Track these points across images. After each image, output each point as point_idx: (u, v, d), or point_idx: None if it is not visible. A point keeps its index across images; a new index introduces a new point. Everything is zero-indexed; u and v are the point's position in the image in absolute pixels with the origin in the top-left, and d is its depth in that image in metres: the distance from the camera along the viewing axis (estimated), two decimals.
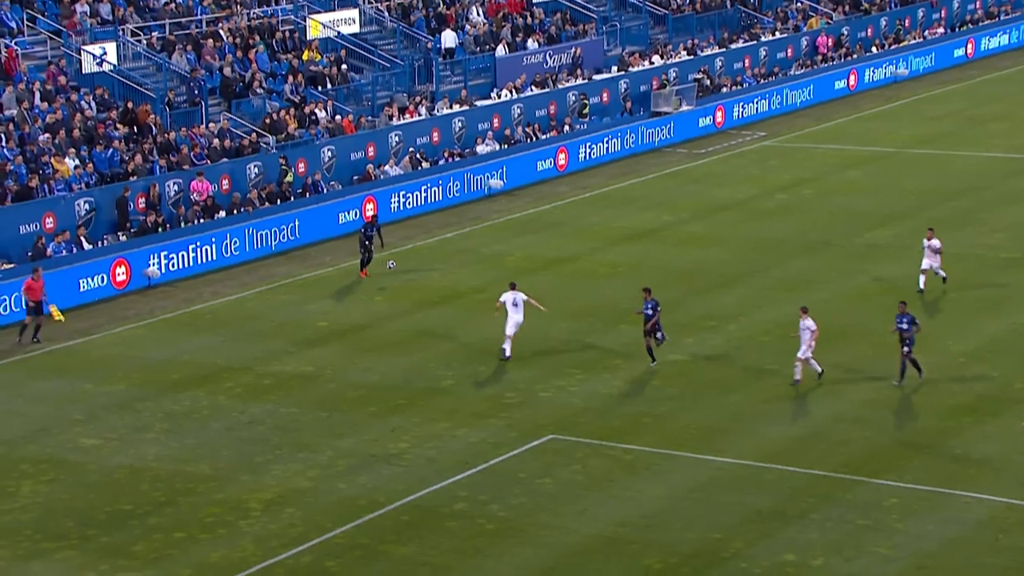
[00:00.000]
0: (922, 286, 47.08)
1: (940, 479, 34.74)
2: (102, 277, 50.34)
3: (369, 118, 64.20)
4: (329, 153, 60.34)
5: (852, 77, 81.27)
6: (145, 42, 61.82)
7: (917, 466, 35.55)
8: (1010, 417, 38.16)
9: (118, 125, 56.63)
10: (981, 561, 30.89)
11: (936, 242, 46.77)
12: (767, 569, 30.87)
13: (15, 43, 57.75)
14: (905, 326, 39.84)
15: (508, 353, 42.62)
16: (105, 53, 59.12)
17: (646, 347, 41.77)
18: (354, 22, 68.73)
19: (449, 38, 70.50)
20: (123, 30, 61.24)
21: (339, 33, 67.70)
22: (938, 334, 44.22)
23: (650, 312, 41.63)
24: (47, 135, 54.49)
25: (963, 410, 38.87)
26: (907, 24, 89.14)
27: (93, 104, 57.09)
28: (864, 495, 34.09)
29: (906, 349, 39.74)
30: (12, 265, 49.49)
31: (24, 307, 45.84)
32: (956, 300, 47.41)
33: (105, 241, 52.34)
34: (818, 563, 30.98)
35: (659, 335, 41.71)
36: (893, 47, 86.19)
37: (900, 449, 36.60)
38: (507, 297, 42.69)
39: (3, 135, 53.50)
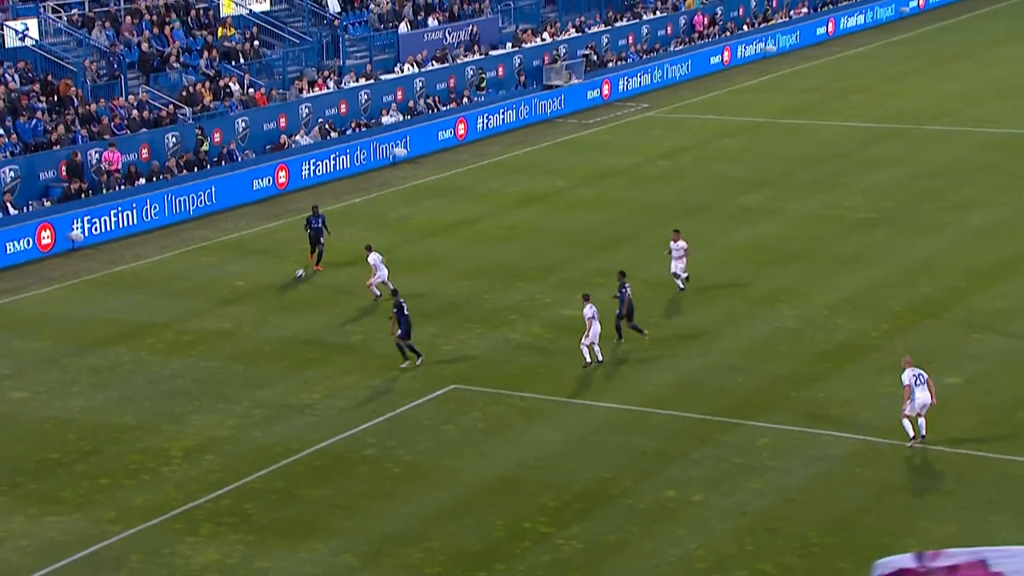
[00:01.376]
0: (682, 286, 44.28)
1: (806, 421, 35.09)
2: (28, 240, 49.85)
3: (280, 91, 63.88)
4: (243, 124, 59.98)
5: (726, 53, 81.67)
6: (66, 18, 61.15)
7: (785, 409, 35.86)
8: (867, 363, 38.56)
9: (41, 97, 55.99)
10: (841, 493, 31.29)
11: (683, 243, 43.69)
12: (651, 504, 31.06)
13: None
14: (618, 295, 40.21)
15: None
16: (27, 29, 58.34)
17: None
18: (265, 1, 68.21)
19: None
20: (44, 7, 60.58)
21: (251, 11, 67.28)
22: (803, 288, 44.60)
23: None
24: None
25: (826, 357, 39.23)
26: (774, 4, 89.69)
27: (16, 77, 56.38)
28: (739, 436, 34.35)
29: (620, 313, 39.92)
30: None
31: None
32: (819, 257, 47.72)
33: (30, 207, 51.70)
34: (698, 499, 31.20)
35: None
36: (762, 26, 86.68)
37: (770, 394, 36.89)
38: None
39: None
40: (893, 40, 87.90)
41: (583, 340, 38.38)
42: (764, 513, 30.40)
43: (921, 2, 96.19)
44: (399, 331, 38.62)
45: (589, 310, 38.25)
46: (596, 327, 38.36)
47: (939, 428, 32.97)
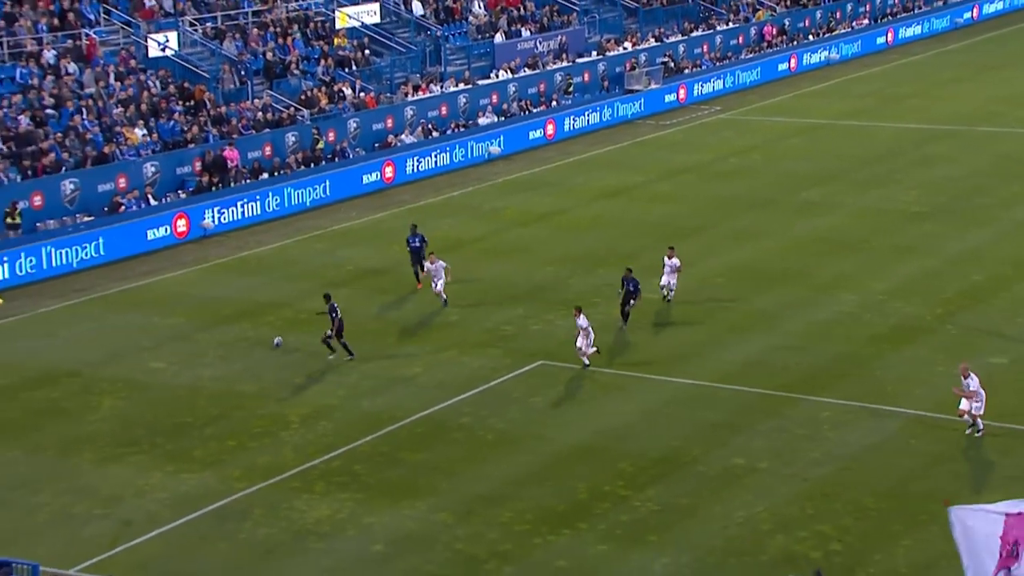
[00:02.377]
0: (668, 296, 42.15)
1: (863, 396, 34.92)
2: (166, 228, 50.38)
3: (388, 95, 64.11)
4: (354, 124, 60.28)
5: (792, 60, 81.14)
6: (201, 31, 61.69)
7: (845, 386, 35.70)
8: (921, 345, 38.32)
9: (178, 101, 56.64)
10: (895, 462, 31.19)
11: (676, 261, 41.74)
12: (720, 471, 31.06)
13: (94, 32, 57.61)
14: (631, 288, 39.69)
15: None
16: (168, 41, 59.10)
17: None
18: (375, 14, 68.54)
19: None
20: (182, 21, 61.13)
21: (362, 23, 67.55)
22: (861, 275, 44.32)
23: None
24: (120, 109, 54.47)
25: (882, 339, 39.00)
26: (838, 16, 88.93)
27: (157, 83, 57.01)
28: (801, 410, 34.25)
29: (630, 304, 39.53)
30: (92, 218, 49.56)
31: None
32: (876, 247, 47.39)
33: (168, 198, 52.34)
34: (763, 466, 31.17)
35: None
36: (826, 35, 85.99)
37: (831, 372, 36.74)
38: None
39: (84, 109, 53.46)
40: (947, 49, 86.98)
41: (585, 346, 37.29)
42: (824, 480, 30.35)
43: (975, 14, 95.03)
44: (330, 331, 38.02)
45: (583, 321, 37.00)
46: (585, 337, 37.10)
47: (987, 405, 32.68)
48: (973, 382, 31.72)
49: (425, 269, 42.70)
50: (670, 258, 41.77)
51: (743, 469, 31.18)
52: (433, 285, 42.25)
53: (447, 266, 42.14)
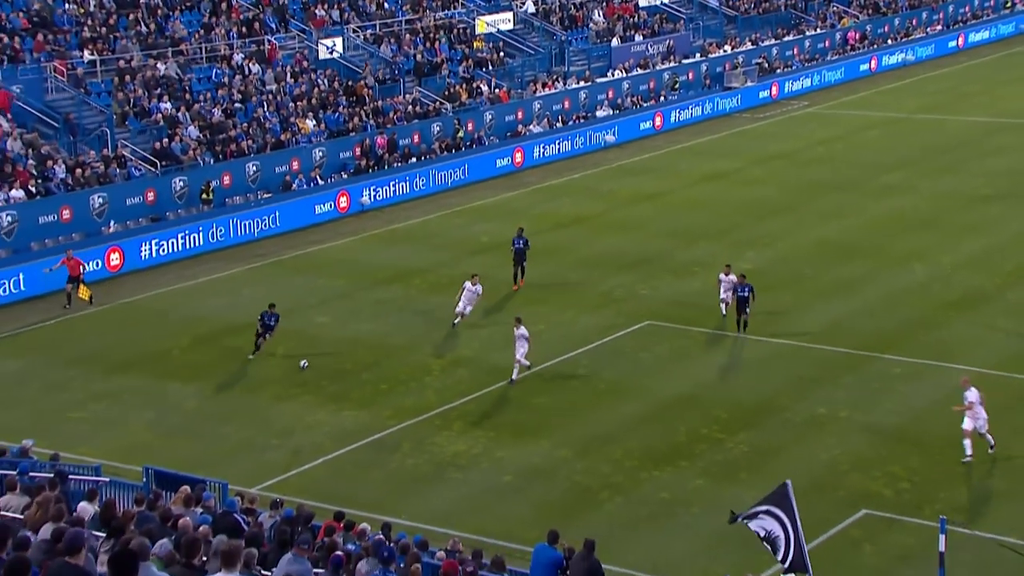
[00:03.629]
0: (724, 311, 37.41)
1: (932, 355, 34.36)
2: (330, 204, 50.88)
3: (518, 91, 64.11)
4: (490, 116, 60.37)
5: (873, 62, 79.69)
6: (362, 37, 62.14)
7: (916, 345, 35.16)
8: (983, 311, 37.59)
9: (342, 96, 57.12)
10: (958, 415, 30.58)
11: (733, 277, 36.93)
12: (805, 419, 30.79)
13: (274, 38, 58.33)
14: (745, 294, 36.09)
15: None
16: (335, 45, 59.67)
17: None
18: (509, 21, 68.58)
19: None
20: (347, 28, 61.63)
21: (498, 29, 67.59)
22: (932, 250, 43.56)
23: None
24: (294, 103, 55.08)
25: (949, 306, 38.32)
26: (914, 22, 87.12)
27: (326, 81, 57.55)
28: (877, 367, 33.80)
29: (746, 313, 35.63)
30: (270, 195, 50.29)
31: (66, 278, 40.16)
32: (946, 225, 46.51)
33: (332, 179, 52.87)
34: (843, 415, 30.83)
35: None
36: (904, 40, 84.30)
37: (904, 333, 36.17)
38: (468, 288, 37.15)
39: (264, 103, 54.15)
40: (1012, 52, 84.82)
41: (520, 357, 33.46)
42: (895, 428, 29.93)
43: None
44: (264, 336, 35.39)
45: (523, 331, 33.14)
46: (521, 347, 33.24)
47: None
48: (972, 394, 28.27)
49: (464, 289, 37.09)
50: (727, 275, 37.12)
51: (825, 417, 30.88)
52: (461, 307, 37.05)
53: (480, 292, 37.18)
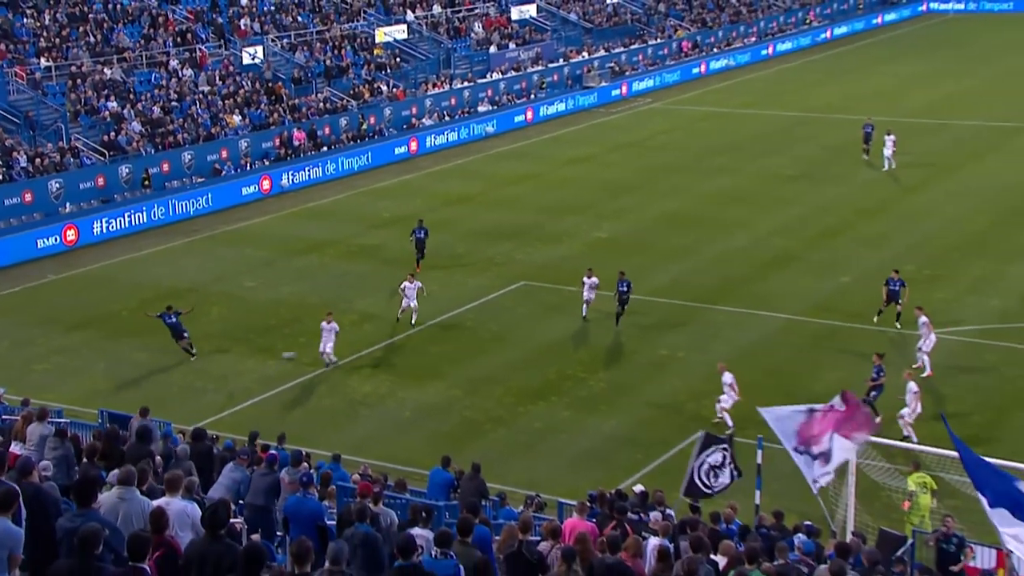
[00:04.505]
0: (585, 312, 33.86)
1: (753, 305, 34.69)
2: (255, 187, 49.78)
3: (412, 90, 63.44)
4: (388, 111, 59.61)
5: (703, 66, 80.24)
6: (279, 45, 60.93)
7: (739, 297, 35.44)
8: (793, 269, 38.09)
9: (263, 95, 55.97)
10: (775, 352, 31.03)
11: (595, 279, 33.63)
12: (652, 359, 30.94)
13: (205, 47, 56.91)
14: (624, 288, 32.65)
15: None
16: (256, 52, 58.32)
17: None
18: (404, 32, 67.77)
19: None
20: (266, 38, 60.35)
21: (395, 39, 66.79)
22: (753, 219, 43.93)
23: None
24: (222, 101, 53.81)
25: (766, 264, 38.69)
26: (735, 34, 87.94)
27: (248, 82, 56.33)
28: (709, 316, 34.04)
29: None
30: (203, 179, 49.05)
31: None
32: (763, 198, 46.90)
33: (256, 165, 51.83)
34: (681, 355, 30.94)
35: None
36: (727, 48, 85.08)
37: (730, 288, 36.43)
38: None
39: (197, 102, 52.86)
40: (812, 59, 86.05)
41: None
42: (728, 361, 30.26)
43: (829, 35, 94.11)
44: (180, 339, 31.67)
45: (334, 325, 30.65)
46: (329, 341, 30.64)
47: (845, 305, 32.44)
48: (727, 377, 26.78)
49: (401, 287, 33.66)
50: (589, 277, 33.71)
51: (667, 358, 31.19)
52: (405, 304, 33.67)
53: (421, 286, 33.80)
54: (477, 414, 28.34)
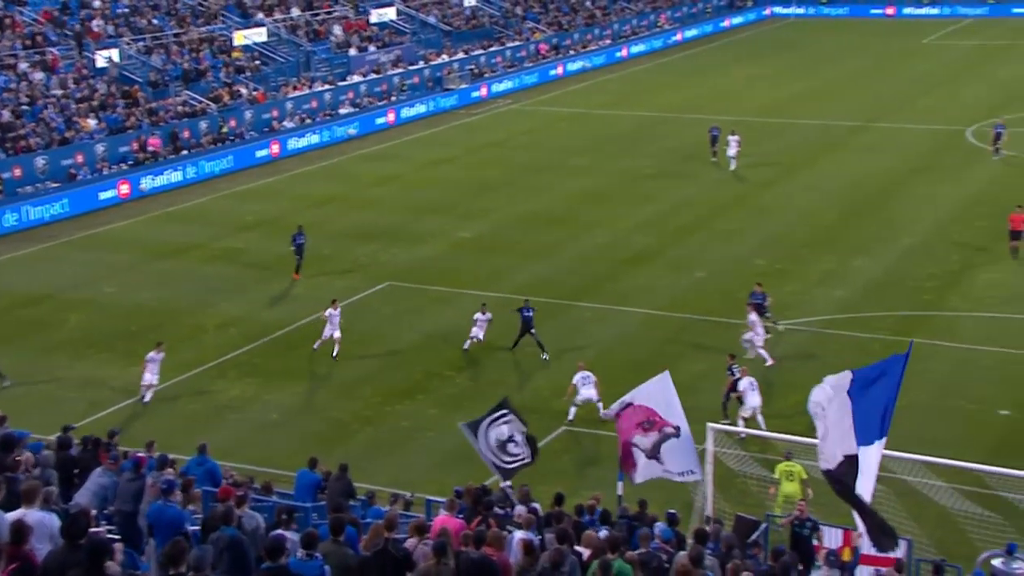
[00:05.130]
0: (466, 345, 31.44)
1: (615, 301, 35.19)
2: (113, 191, 48.48)
3: (272, 93, 62.53)
4: (249, 114, 58.69)
5: (560, 68, 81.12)
6: (135, 48, 59.39)
7: (602, 294, 35.98)
8: (652, 264, 38.79)
9: (120, 98, 54.48)
10: (637, 345, 31.56)
11: (489, 315, 31.44)
12: (521, 357, 31.09)
13: (56, 50, 55.11)
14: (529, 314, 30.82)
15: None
16: (111, 55, 56.71)
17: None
18: (263, 35, 66.79)
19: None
20: (121, 41, 58.72)
21: (253, 42, 65.76)
22: (612, 218, 44.59)
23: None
24: (77, 105, 52.14)
25: (627, 261, 39.33)
26: (590, 37, 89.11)
27: (104, 86, 54.75)
28: (573, 312, 34.45)
29: None
30: (58, 184, 47.56)
31: None
32: (621, 196, 47.72)
33: (114, 169, 50.43)
34: (546, 357, 31.27)
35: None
36: (583, 50, 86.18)
37: (592, 285, 36.97)
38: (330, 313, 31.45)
39: (50, 105, 51.17)
40: (664, 61, 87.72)
41: None
42: (589, 360, 30.44)
43: (679, 37, 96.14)
44: None
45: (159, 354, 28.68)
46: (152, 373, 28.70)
47: (698, 300, 33.10)
48: (582, 375, 26.89)
49: (327, 314, 31.45)
50: (483, 313, 31.66)
51: (532, 355, 31.42)
52: (328, 332, 31.43)
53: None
54: (345, 415, 28.16)
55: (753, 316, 30.14)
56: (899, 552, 17.21)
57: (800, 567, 16.77)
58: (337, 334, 31.04)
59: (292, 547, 12.41)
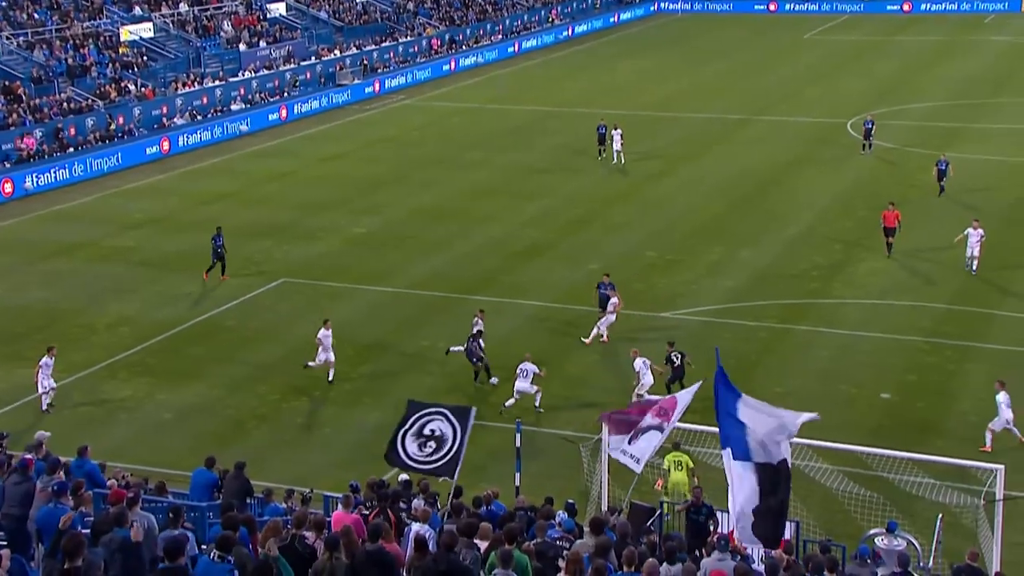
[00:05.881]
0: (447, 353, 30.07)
1: (509, 294, 35.33)
2: None
3: (162, 89, 61.27)
4: (138, 111, 57.40)
5: (453, 63, 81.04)
6: (15, 43, 57.55)
7: (496, 287, 36.09)
8: (545, 257, 39.05)
9: (0, 94, 52.76)
10: (532, 336, 31.74)
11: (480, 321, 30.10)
12: (414, 351, 31.01)
13: None
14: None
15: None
16: None
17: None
18: (150, 30, 65.35)
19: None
20: (1, 36, 56.85)
21: (140, 37, 64.30)
22: (506, 213, 44.77)
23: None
24: None
25: (520, 255, 39.54)
26: (482, 32, 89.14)
27: None
28: (467, 306, 34.51)
29: None
30: None
31: None
32: (512, 191, 47.92)
33: None
34: (441, 345, 31.24)
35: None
36: (475, 45, 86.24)
37: (486, 278, 37.04)
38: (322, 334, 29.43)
39: None
40: (558, 55, 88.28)
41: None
42: (487, 348, 30.59)
43: (570, 32, 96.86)
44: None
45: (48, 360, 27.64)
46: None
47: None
48: (529, 367, 26.96)
49: (320, 336, 29.29)
50: (480, 318, 30.23)
51: (428, 349, 31.39)
52: (322, 357, 29.44)
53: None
54: (240, 413, 27.78)
55: (614, 299, 31.00)
56: (787, 534, 17.62)
57: (696, 553, 17.06)
58: (331, 357, 29.15)
59: (188, 546, 12.24)
